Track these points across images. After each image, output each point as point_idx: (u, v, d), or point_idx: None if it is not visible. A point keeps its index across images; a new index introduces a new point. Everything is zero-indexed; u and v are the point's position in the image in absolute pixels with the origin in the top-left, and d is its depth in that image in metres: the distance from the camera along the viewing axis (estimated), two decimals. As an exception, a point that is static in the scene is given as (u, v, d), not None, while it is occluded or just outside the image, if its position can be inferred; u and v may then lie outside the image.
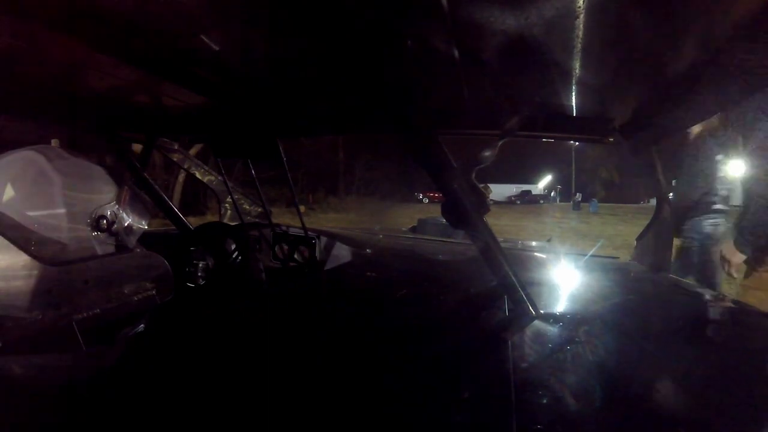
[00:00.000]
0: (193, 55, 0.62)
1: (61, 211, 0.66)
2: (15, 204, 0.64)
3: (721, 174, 1.92)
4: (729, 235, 1.84)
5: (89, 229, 0.70)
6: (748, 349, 0.66)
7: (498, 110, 0.82)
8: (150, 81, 0.76)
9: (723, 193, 1.94)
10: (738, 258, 1.53)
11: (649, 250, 1.26)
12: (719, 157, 1.92)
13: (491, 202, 0.73)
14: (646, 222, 1.31)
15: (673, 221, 2.06)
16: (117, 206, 0.74)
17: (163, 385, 0.46)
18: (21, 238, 0.60)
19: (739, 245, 1.54)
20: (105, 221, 0.71)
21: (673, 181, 2.05)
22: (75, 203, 0.68)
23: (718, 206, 1.90)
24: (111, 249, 0.73)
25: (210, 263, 1.09)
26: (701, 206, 1.91)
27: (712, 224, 1.92)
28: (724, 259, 1.60)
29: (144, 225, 0.80)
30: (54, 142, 0.79)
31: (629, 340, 0.66)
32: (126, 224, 0.75)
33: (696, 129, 1.94)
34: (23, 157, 0.68)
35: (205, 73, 0.71)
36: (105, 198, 0.72)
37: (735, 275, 1.59)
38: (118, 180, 0.77)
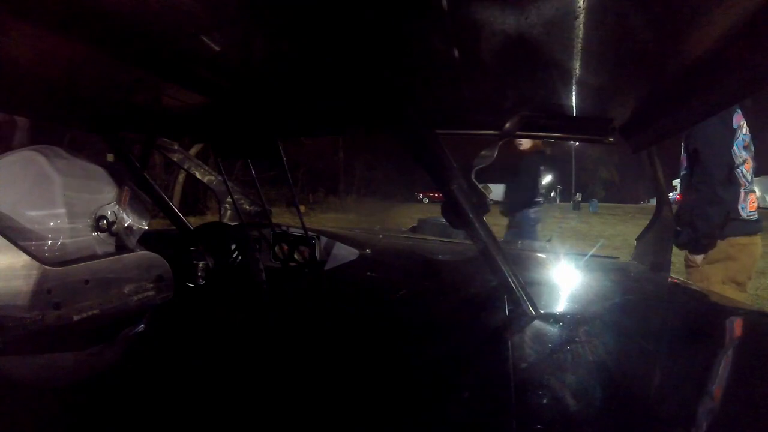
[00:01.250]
0: (194, 55, 0.62)
1: (62, 211, 0.66)
2: (15, 204, 0.64)
3: (543, 180, 2.83)
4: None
5: (90, 229, 0.69)
6: (748, 349, 0.66)
7: (498, 110, 0.82)
8: (150, 81, 0.76)
9: (543, 191, 2.82)
10: (699, 259, 1.67)
11: (649, 250, 1.26)
12: (542, 168, 2.76)
13: (491, 202, 0.73)
14: (646, 222, 1.31)
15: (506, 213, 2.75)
16: (117, 206, 0.74)
17: (163, 385, 0.46)
18: (21, 238, 0.60)
19: (680, 245, 1.69)
20: (105, 221, 0.71)
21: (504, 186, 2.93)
22: (75, 203, 0.68)
23: (538, 200, 2.76)
24: (111, 249, 0.73)
25: (210, 263, 1.09)
26: (528, 203, 2.74)
27: (535, 212, 2.75)
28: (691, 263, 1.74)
29: (144, 225, 0.80)
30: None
31: (629, 340, 0.66)
32: (126, 224, 0.75)
33: (525, 146, 2.67)
34: (23, 158, 0.68)
35: (205, 73, 0.71)
36: (105, 198, 0.72)
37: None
38: (119, 180, 0.77)
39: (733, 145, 1.53)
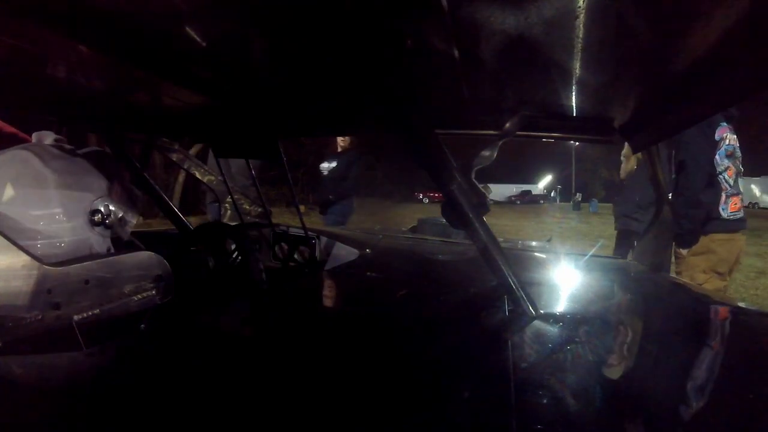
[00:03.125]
0: (194, 55, 0.62)
1: (58, 208, 0.66)
2: (12, 204, 0.64)
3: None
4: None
5: (86, 223, 0.70)
6: (748, 349, 0.66)
7: (498, 110, 0.82)
8: (150, 81, 0.76)
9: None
10: (685, 251, 1.95)
11: (649, 250, 1.26)
12: (358, 163, 3.35)
13: (491, 202, 0.73)
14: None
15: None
16: (109, 198, 0.74)
17: (163, 385, 0.46)
18: (20, 238, 0.60)
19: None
20: (100, 215, 0.71)
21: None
22: (70, 200, 0.68)
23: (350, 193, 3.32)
24: (108, 242, 0.73)
25: (210, 263, 1.09)
26: (344, 194, 3.27)
27: (347, 204, 3.31)
28: (679, 254, 1.99)
29: (136, 215, 0.80)
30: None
31: (629, 340, 0.66)
32: (120, 216, 0.75)
33: (343, 143, 3.22)
34: (15, 156, 0.68)
35: (205, 73, 0.71)
36: (97, 192, 0.72)
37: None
38: (107, 171, 0.76)
39: (715, 155, 1.81)
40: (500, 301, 0.71)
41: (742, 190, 1.96)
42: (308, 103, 0.88)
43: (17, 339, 0.54)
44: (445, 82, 0.69)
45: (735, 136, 1.87)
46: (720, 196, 1.83)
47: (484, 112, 0.84)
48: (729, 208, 1.84)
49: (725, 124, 1.84)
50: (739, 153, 1.88)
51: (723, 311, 0.91)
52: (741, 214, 1.88)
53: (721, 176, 1.83)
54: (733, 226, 1.87)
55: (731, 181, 1.84)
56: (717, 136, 1.83)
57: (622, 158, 2.37)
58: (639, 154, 1.89)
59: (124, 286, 0.69)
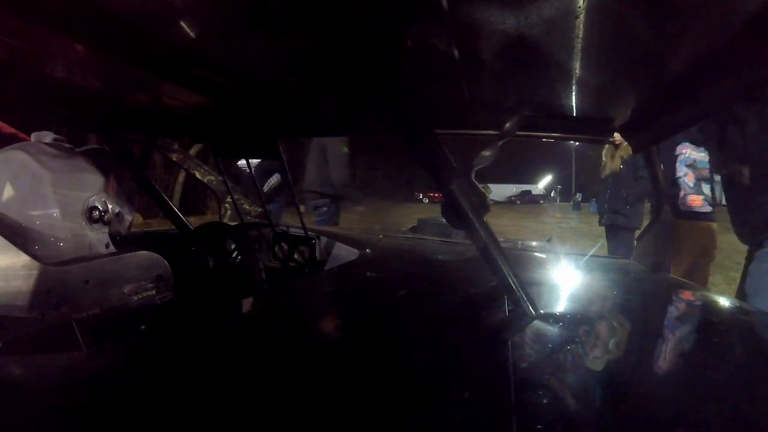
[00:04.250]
0: (194, 55, 0.62)
1: (55, 206, 0.66)
2: (11, 203, 0.64)
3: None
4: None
5: (84, 222, 0.70)
6: (748, 349, 0.66)
7: (498, 110, 0.82)
8: (150, 81, 0.76)
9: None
10: None
11: (649, 250, 1.26)
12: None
13: (491, 202, 0.73)
14: (645, 222, 1.32)
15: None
16: (106, 195, 0.73)
17: (163, 385, 0.46)
18: (20, 237, 0.60)
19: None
20: (97, 212, 0.71)
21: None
22: (67, 198, 0.68)
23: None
24: (106, 238, 0.73)
25: (210, 263, 1.09)
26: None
27: (276, 207, 3.21)
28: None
29: (133, 210, 0.80)
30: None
31: (629, 340, 0.66)
32: (117, 211, 0.75)
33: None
34: (9, 156, 0.67)
35: (205, 73, 0.71)
36: (93, 188, 0.72)
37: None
38: (102, 167, 0.76)
39: (676, 164, 2.43)
40: (500, 301, 0.71)
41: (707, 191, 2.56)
42: (308, 103, 0.88)
43: (17, 339, 0.54)
44: (445, 82, 0.69)
45: (703, 154, 2.41)
46: (680, 193, 2.44)
47: (484, 112, 0.84)
48: (688, 202, 2.44)
49: (687, 143, 2.43)
50: (701, 165, 2.45)
51: (723, 311, 0.91)
52: (702, 209, 2.41)
53: (681, 179, 2.43)
54: (691, 216, 2.44)
55: (690, 184, 2.43)
56: (677, 152, 2.45)
57: (603, 158, 2.61)
58: (623, 154, 2.10)
59: (124, 285, 0.69)
